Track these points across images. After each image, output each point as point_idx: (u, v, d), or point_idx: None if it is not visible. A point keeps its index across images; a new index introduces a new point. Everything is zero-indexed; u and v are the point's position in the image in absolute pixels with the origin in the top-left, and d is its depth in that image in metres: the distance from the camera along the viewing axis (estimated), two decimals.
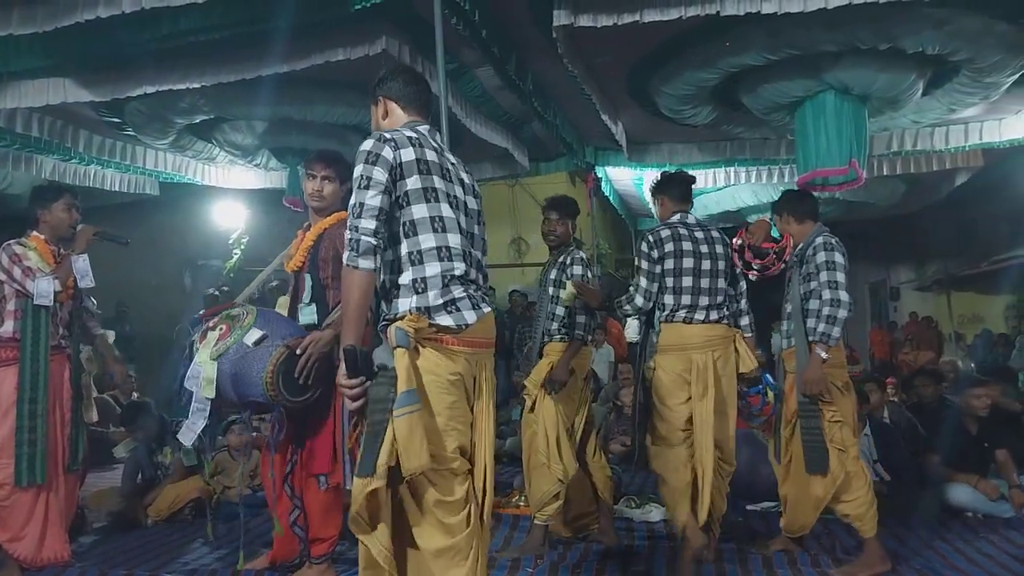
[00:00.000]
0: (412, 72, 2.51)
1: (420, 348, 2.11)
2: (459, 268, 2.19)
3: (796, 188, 5.17)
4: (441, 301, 2.14)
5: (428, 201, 2.18)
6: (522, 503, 4.70)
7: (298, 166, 6.83)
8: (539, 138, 7.16)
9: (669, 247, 3.47)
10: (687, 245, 3.48)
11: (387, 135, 2.20)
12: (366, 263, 2.09)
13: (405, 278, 2.16)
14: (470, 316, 2.17)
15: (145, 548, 4.25)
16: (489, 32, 4.55)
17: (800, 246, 3.63)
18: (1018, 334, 8.66)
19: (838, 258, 3.46)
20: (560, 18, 4.28)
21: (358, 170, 2.15)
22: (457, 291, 2.17)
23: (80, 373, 3.98)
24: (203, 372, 2.97)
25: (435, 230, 2.17)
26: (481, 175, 8.14)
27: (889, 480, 4.58)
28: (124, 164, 6.84)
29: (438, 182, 2.21)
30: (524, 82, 5.38)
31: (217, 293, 8.72)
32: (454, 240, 2.19)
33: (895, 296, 15.15)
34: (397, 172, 2.15)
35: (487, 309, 2.24)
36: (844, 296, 3.40)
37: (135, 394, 7.75)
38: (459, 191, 2.29)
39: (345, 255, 2.12)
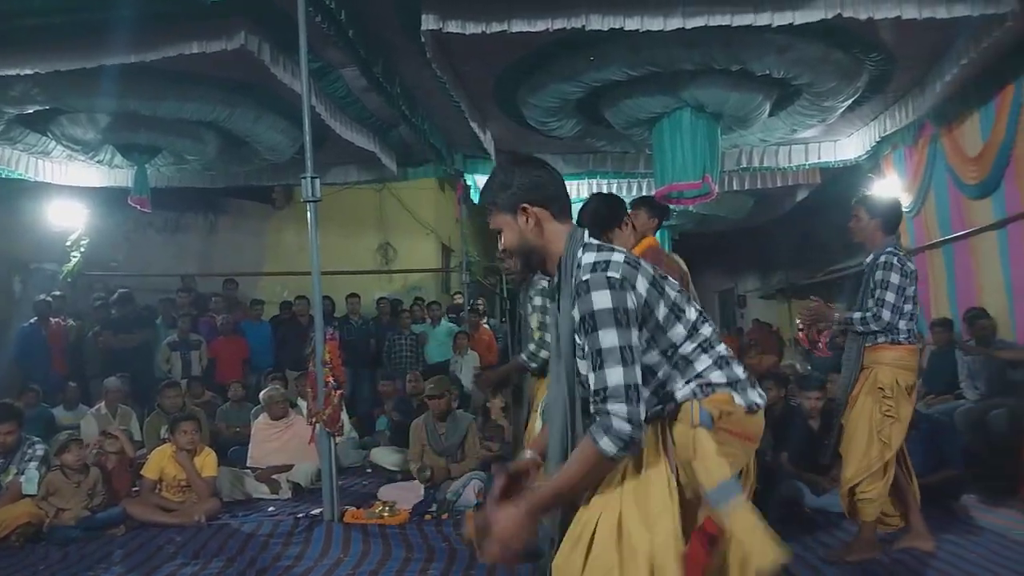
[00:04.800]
0: (540, 162, 1.99)
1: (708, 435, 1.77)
2: (722, 348, 1.90)
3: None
4: (725, 379, 1.84)
5: (679, 319, 1.85)
6: (386, 513, 4.60)
7: (145, 164, 6.42)
8: (407, 143, 7.08)
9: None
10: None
11: (615, 275, 1.75)
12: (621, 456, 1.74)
13: (676, 384, 1.85)
14: (755, 396, 1.87)
15: None
16: (356, 32, 4.45)
17: (871, 258, 3.71)
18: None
19: (893, 278, 3.54)
20: (428, 23, 4.25)
21: (609, 339, 1.72)
22: (739, 369, 1.88)
23: None
24: None
25: (691, 336, 1.86)
26: (347, 179, 7.94)
27: None
28: None
29: (668, 291, 1.86)
30: (392, 85, 5.30)
31: (50, 299, 8.02)
32: (707, 330, 1.90)
33: (742, 303, 16.11)
34: (645, 311, 1.79)
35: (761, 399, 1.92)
36: (886, 315, 3.52)
37: None
38: (669, 285, 1.90)
39: (608, 446, 1.69)
